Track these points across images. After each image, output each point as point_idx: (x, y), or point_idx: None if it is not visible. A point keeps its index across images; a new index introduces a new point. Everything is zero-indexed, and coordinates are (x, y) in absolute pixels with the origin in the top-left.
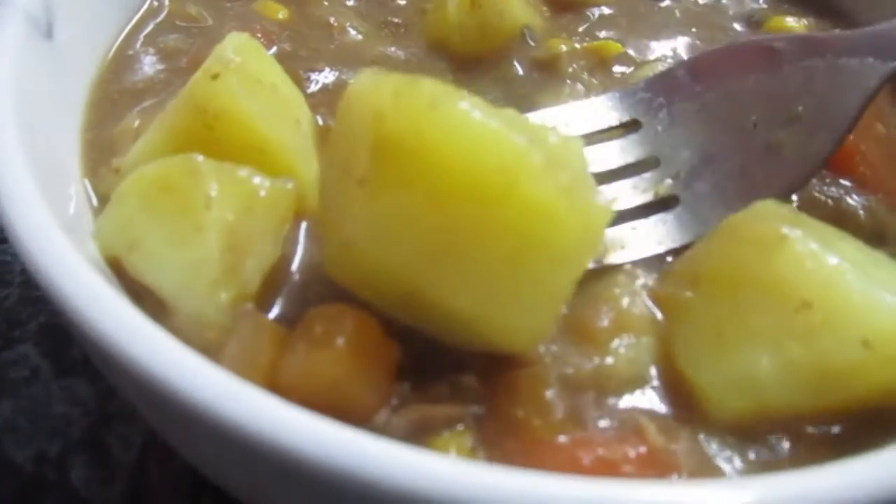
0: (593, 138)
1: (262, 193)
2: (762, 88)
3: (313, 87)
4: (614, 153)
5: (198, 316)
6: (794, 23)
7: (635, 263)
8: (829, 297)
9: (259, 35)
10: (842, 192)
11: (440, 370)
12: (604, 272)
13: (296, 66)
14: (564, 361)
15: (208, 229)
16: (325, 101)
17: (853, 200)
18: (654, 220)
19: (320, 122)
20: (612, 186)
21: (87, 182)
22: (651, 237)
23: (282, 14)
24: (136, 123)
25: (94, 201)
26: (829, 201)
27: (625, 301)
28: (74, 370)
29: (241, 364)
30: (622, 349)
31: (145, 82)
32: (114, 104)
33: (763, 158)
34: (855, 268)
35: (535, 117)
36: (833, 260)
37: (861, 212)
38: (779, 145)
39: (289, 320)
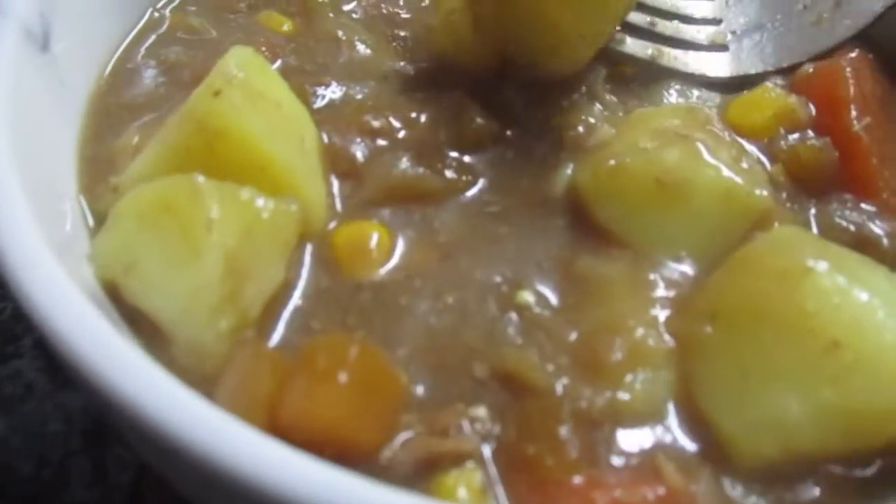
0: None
1: (265, 215)
2: None
3: (319, 103)
4: (688, 7)
5: (196, 344)
6: None
7: (650, 295)
8: (859, 336)
9: (263, 48)
10: (864, 217)
11: (449, 401)
12: (614, 299)
13: (301, 80)
14: (577, 395)
15: (208, 253)
16: (332, 117)
17: (876, 227)
18: (704, 53)
19: (326, 139)
20: (676, 23)
21: (83, 200)
22: (699, 62)
23: (287, 26)
24: (136, 139)
25: (91, 220)
26: (851, 227)
27: (639, 332)
28: (70, 386)
29: (239, 396)
30: (637, 384)
31: (145, 96)
32: (112, 119)
33: (801, 31)
34: (885, 303)
35: None
36: (862, 295)
37: (885, 239)
38: (818, 22)
39: (291, 349)
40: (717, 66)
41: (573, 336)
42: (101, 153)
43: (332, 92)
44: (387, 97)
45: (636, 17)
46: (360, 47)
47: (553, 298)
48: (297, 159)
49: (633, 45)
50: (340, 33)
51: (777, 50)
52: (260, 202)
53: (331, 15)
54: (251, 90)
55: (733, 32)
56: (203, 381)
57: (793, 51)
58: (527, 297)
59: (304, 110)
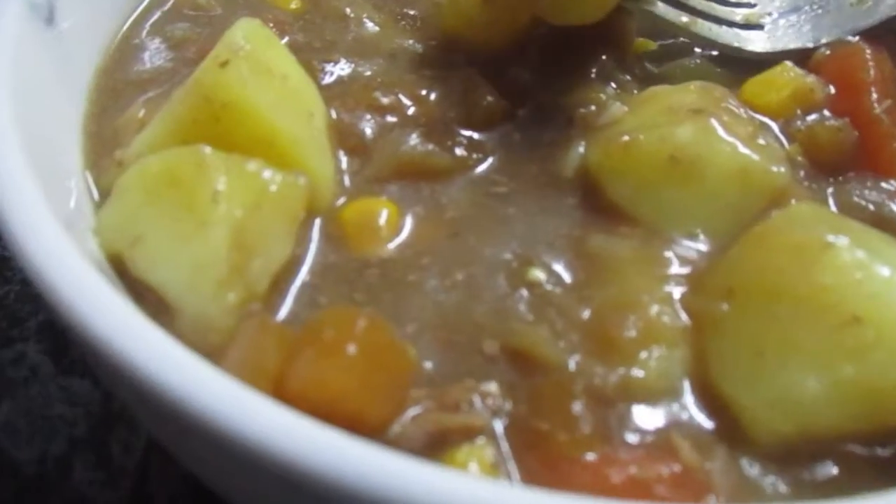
0: None
1: (273, 188)
2: None
3: (328, 79)
4: None
5: (202, 317)
6: None
7: (663, 272)
8: (880, 311)
9: (271, 25)
10: (884, 196)
11: (459, 377)
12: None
13: (310, 57)
14: (590, 372)
15: (215, 225)
16: (340, 93)
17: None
18: (738, 30)
19: (334, 115)
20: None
21: (88, 175)
22: (733, 35)
23: (294, 4)
24: (141, 113)
25: (96, 195)
26: (871, 206)
27: (653, 309)
28: (75, 370)
29: (245, 368)
30: (652, 361)
31: (151, 72)
32: (118, 94)
33: (841, 11)
34: None
35: None
36: (883, 269)
37: None
38: (860, 3)
39: (298, 324)
40: (753, 41)
41: (586, 313)
42: (106, 128)
43: (341, 69)
44: (396, 74)
45: None
46: (369, 24)
47: (565, 276)
48: (306, 134)
49: (666, 11)
50: (348, 10)
51: (815, 28)
52: (267, 174)
53: None
54: (258, 62)
55: (769, 14)
56: (209, 355)
57: (832, 29)
58: (538, 274)
59: (312, 85)
